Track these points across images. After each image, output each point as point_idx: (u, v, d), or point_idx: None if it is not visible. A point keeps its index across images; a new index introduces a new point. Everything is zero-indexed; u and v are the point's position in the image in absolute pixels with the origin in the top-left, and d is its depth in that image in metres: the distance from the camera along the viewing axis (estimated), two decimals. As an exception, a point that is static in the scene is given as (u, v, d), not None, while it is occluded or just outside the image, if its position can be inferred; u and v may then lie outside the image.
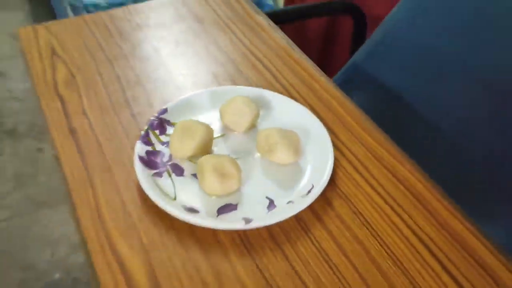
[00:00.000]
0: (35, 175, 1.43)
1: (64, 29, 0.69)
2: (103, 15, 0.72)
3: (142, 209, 0.47)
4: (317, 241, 0.45)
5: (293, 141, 0.51)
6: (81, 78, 0.62)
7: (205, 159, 0.47)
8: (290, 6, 0.88)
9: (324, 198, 0.48)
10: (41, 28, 0.69)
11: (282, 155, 0.50)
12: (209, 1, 0.75)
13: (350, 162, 0.52)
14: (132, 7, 0.74)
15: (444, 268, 0.43)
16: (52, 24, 0.70)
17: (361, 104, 0.61)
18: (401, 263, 0.43)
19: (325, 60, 1.13)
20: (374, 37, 0.88)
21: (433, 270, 0.43)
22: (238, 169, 0.47)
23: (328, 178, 0.49)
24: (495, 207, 0.72)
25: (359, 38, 0.89)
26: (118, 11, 0.73)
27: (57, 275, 1.21)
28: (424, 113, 0.82)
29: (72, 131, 0.55)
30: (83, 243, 0.45)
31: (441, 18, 0.80)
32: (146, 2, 0.75)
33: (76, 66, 0.63)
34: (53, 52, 0.65)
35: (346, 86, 0.80)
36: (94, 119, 0.56)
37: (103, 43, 0.67)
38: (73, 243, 1.27)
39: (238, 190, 0.48)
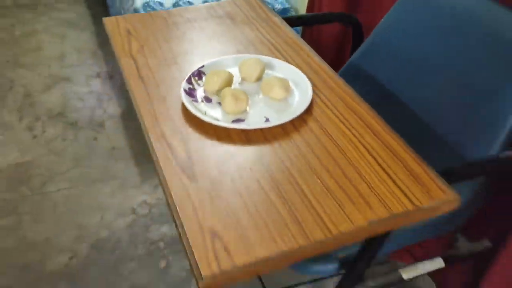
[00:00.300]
0: (90, 157, 1.73)
1: (135, 19, 0.99)
2: (162, 12, 1.01)
3: (183, 119, 0.73)
4: (297, 145, 0.70)
5: (285, 84, 0.76)
6: (146, 48, 0.90)
7: (226, 89, 0.74)
8: (301, 15, 1.14)
9: (304, 121, 0.73)
10: (120, 18, 0.99)
11: (277, 91, 0.75)
12: (239, 5, 1.04)
13: (325, 104, 0.77)
14: (183, 8, 1.03)
15: (379, 165, 0.67)
16: (127, 16, 1.00)
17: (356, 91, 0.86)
18: (352, 161, 0.67)
19: (337, 60, 1.38)
20: (367, 40, 1.13)
21: (371, 165, 0.67)
22: (247, 96, 0.73)
23: (306, 106, 0.74)
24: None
25: (357, 42, 1.15)
26: (173, 10, 1.02)
27: (104, 234, 1.48)
28: (403, 97, 1.06)
29: (141, 77, 0.83)
30: (146, 132, 0.71)
31: (420, 26, 1.06)
32: (193, 5, 1.04)
33: (143, 41, 0.92)
34: (128, 33, 0.94)
35: (344, 78, 1.06)
36: (154, 71, 0.84)
37: (162, 28, 0.96)
38: (118, 212, 1.54)
39: (246, 110, 0.74)
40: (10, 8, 2.59)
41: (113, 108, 1.97)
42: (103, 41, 2.38)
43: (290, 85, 0.78)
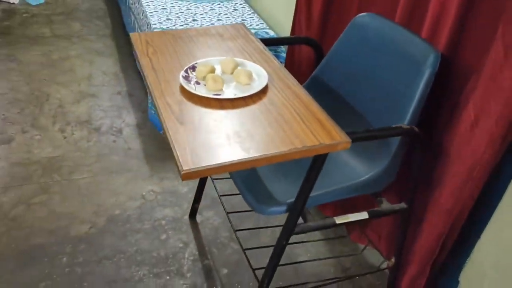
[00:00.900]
0: (110, 155, 2.10)
1: (152, 35, 1.38)
2: (172, 31, 1.41)
3: (181, 94, 1.10)
4: (252, 110, 1.06)
5: (249, 74, 1.14)
6: (158, 52, 1.29)
7: (208, 75, 1.11)
8: (274, 37, 1.52)
9: (260, 98, 1.10)
10: (142, 34, 1.39)
11: (243, 78, 1.13)
12: (227, 28, 1.43)
13: (276, 89, 1.14)
14: (187, 29, 1.43)
15: (304, 122, 1.02)
16: (147, 33, 1.39)
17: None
18: (286, 119, 1.03)
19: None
20: (324, 59, 1.51)
21: (299, 123, 1.03)
22: (222, 79, 1.11)
23: (262, 87, 1.11)
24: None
25: (318, 61, 1.53)
26: (179, 30, 1.42)
27: (117, 212, 1.82)
28: (349, 98, 1.43)
29: (154, 69, 1.21)
30: (156, 100, 1.08)
31: (358, 49, 1.43)
32: (194, 27, 1.43)
33: (157, 48, 1.31)
34: (147, 42, 1.34)
35: (308, 87, 1.43)
36: (163, 65, 1.22)
37: (171, 40, 1.35)
38: (129, 196, 1.89)
39: (222, 89, 1.11)
40: (49, 38, 3.06)
41: (130, 119, 2.36)
42: (124, 66, 2.81)
43: (253, 76, 1.15)
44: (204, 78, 1.15)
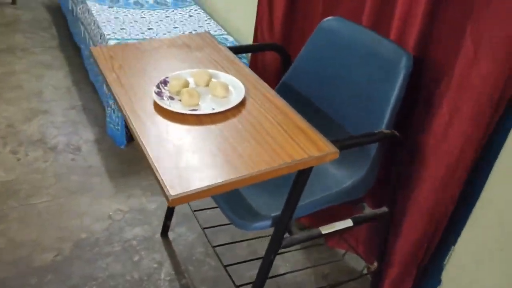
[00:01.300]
0: (69, 175, 1.98)
1: (116, 49, 1.31)
2: (135, 43, 1.33)
3: (155, 111, 1.04)
4: (233, 123, 1.01)
5: (225, 86, 1.09)
6: (125, 66, 1.21)
7: (184, 89, 1.06)
8: (242, 45, 1.49)
9: (239, 111, 1.05)
10: (103, 48, 1.31)
11: (219, 91, 1.08)
12: (193, 38, 1.38)
13: (254, 100, 1.10)
14: (151, 40, 1.36)
15: (286, 132, 0.99)
16: (109, 47, 1.31)
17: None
18: (267, 131, 0.99)
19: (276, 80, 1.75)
20: (293, 65, 1.49)
21: (281, 133, 0.99)
22: (198, 93, 1.05)
23: (240, 100, 1.06)
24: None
25: (286, 66, 1.50)
26: (143, 42, 1.35)
27: (84, 235, 1.72)
28: (319, 101, 1.41)
29: (122, 84, 1.13)
30: (122, 108, 1.01)
31: (326, 53, 1.42)
32: (159, 37, 1.37)
33: (122, 61, 1.23)
34: (111, 57, 1.26)
35: (279, 93, 1.40)
36: (132, 81, 1.15)
37: (136, 53, 1.28)
38: (95, 217, 1.79)
39: (198, 104, 1.06)
40: (-10, 53, 2.87)
41: (87, 134, 2.24)
42: (76, 79, 2.67)
43: (229, 88, 1.11)
44: (178, 93, 1.09)
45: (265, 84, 1.18)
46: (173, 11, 2.50)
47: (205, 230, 1.59)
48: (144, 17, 2.39)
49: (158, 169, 0.86)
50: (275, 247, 1.14)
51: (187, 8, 2.55)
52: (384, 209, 1.30)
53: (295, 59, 1.49)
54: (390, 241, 1.40)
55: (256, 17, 1.88)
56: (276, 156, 0.92)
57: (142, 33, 2.20)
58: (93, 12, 2.37)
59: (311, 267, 1.67)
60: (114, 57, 1.26)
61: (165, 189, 0.82)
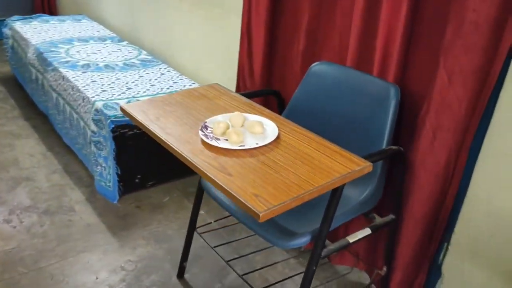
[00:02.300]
0: (70, 235, 2.01)
1: (143, 104, 1.45)
2: (159, 98, 1.49)
3: (208, 151, 1.20)
4: (277, 152, 1.20)
5: (261, 124, 1.28)
6: (162, 117, 1.36)
7: (230, 129, 1.23)
8: (246, 92, 1.71)
9: (277, 142, 1.24)
10: (131, 106, 1.45)
11: (257, 128, 1.27)
12: (206, 89, 1.56)
13: (284, 133, 1.30)
14: (172, 94, 1.52)
15: (326, 155, 1.19)
16: (138, 103, 1.46)
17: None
18: (310, 155, 1.19)
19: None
20: (290, 103, 1.71)
21: (322, 154, 1.19)
22: (242, 133, 1.23)
23: (277, 134, 1.25)
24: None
25: (280, 105, 1.73)
26: (165, 96, 1.51)
27: (102, 289, 1.76)
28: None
29: (169, 134, 1.28)
30: (185, 155, 1.16)
31: (319, 90, 1.66)
32: (177, 91, 1.53)
33: (158, 114, 1.38)
34: (143, 111, 1.40)
35: None
36: (174, 129, 1.30)
37: (165, 107, 1.43)
38: (109, 270, 1.83)
39: (242, 141, 1.23)
40: (-47, 128, 2.81)
41: (77, 195, 2.28)
42: (49, 145, 2.70)
43: (263, 125, 1.30)
44: (222, 134, 1.26)
45: (288, 121, 1.38)
46: (144, 71, 2.66)
47: (229, 262, 1.71)
48: (119, 79, 2.52)
49: (237, 194, 1.02)
50: (316, 258, 1.30)
51: (157, 67, 2.72)
52: (392, 216, 1.53)
53: (291, 99, 1.72)
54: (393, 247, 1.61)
55: (238, 68, 2.11)
56: (327, 173, 1.12)
57: (123, 92, 2.34)
58: (69, 78, 2.47)
59: (320, 285, 1.84)
60: (146, 112, 1.40)
61: (252, 208, 0.98)
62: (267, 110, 1.44)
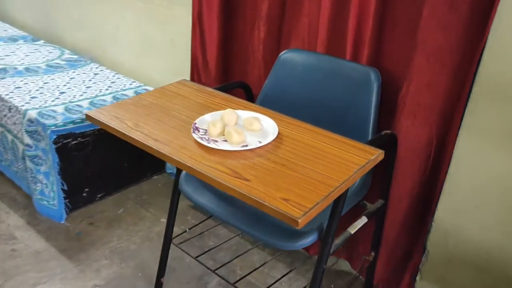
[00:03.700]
0: (18, 267, 1.75)
1: (113, 108, 1.27)
2: (128, 101, 1.31)
3: (210, 155, 1.07)
4: (283, 148, 1.10)
5: (258, 120, 1.17)
6: (142, 123, 1.20)
7: (229, 129, 1.11)
8: (218, 86, 1.58)
9: (279, 138, 1.14)
10: (101, 111, 1.26)
11: (256, 125, 1.16)
12: (178, 87, 1.41)
13: (287, 128, 1.20)
14: (143, 95, 1.35)
15: (335, 147, 1.12)
16: (106, 108, 1.27)
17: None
18: (321, 149, 1.11)
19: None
20: (261, 93, 1.61)
21: (331, 148, 1.11)
22: (242, 131, 1.12)
23: (277, 130, 1.16)
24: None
25: (250, 97, 1.63)
26: (136, 98, 1.33)
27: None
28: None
29: (157, 140, 1.12)
30: (185, 164, 1.02)
31: (290, 78, 1.58)
32: (147, 90, 1.36)
33: (135, 120, 1.21)
34: (116, 117, 1.22)
35: None
36: (159, 134, 1.14)
37: (139, 110, 1.26)
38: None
39: (244, 140, 1.12)
40: None
41: (14, 220, 2.00)
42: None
43: (260, 122, 1.19)
44: (219, 135, 1.13)
45: (281, 114, 1.29)
46: (73, 72, 2.40)
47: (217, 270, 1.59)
48: (47, 83, 2.24)
49: (266, 202, 0.91)
50: (326, 256, 1.24)
51: (87, 67, 2.46)
52: (381, 201, 1.51)
53: (261, 90, 1.62)
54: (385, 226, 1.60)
55: (191, 60, 1.96)
56: (345, 166, 1.04)
57: (57, 98, 2.08)
58: (-14, 86, 2.14)
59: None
60: (120, 117, 1.23)
61: (289, 216, 0.88)
62: (253, 104, 1.34)
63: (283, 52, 1.60)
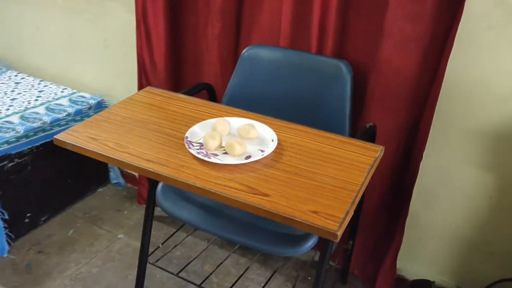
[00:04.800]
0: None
1: (85, 128, 1.12)
2: (95, 118, 1.17)
3: (218, 172, 0.99)
4: (285, 154, 1.05)
5: (254, 127, 1.11)
6: (122, 143, 1.07)
7: (231, 140, 1.03)
8: (184, 90, 1.47)
9: (283, 143, 1.09)
10: (71, 132, 1.11)
11: (253, 133, 1.09)
12: (146, 96, 1.29)
13: (281, 132, 1.15)
14: (108, 110, 1.21)
15: (339, 148, 1.09)
16: (75, 129, 1.12)
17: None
18: (326, 152, 1.07)
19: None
20: (226, 92, 1.53)
21: (336, 149, 1.09)
22: (244, 143, 1.05)
23: (276, 137, 1.10)
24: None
25: (213, 97, 1.55)
26: (104, 113, 1.19)
27: None
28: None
29: (148, 160, 1.01)
30: (196, 186, 0.94)
31: (254, 74, 1.52)
32: (117, 104, 1.23)
33: (113, 140, 1.08)
34: (93, 139, 1.08)
35: None
36: (147, 152, 1.04)
37: (111, 127, 1.13)
38: None
39: (246, 151, 1.05)
40: None
41: None
42: None
43: (256, 130, 1.13)
44: (217, 148, 1.05)
45: (269, 117, 1.23)
46: (-11, 82, 2.11)
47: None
48: (-39, 97, 1.95)
49: (295, 217, 0.87)
50: (329, 255, 1.22)
51: (4, 76, 2.18)
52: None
53: (226, 90, 1.55)
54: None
55: (138, 62, 1.81)
56: (357, 167, 1.03)
57: (-20, 114, 1.82)
58: None
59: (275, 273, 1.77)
60: (97, 138, 1.09)
61: (327, 230, 0.84)
62: (237, 109, 1.26)
63: (246, 49, 1.53)
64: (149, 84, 1.82)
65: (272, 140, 1.09)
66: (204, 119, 1.18)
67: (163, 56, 1.76)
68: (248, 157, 1.04)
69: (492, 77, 1.33)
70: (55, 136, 1.09)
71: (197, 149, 1.05)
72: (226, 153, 1.05)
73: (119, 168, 2.21)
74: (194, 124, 1.15)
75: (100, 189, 2.19)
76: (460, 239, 1.59)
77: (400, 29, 1.37)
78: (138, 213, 2.05)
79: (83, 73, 2.13)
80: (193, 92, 1.49)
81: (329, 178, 0.99)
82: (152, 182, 1.38)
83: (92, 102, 2.02)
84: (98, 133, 1.11)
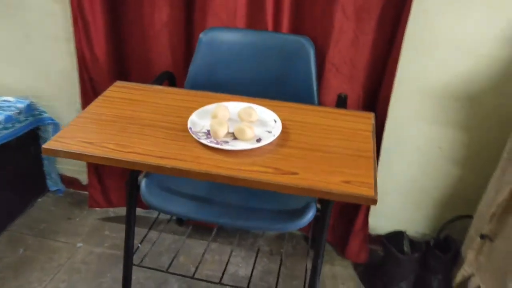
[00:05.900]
0: None
1: (72, 131, 1.03)
2: (81, 116, 1.08)
3: (238, 158, 0.97)
4: (294, 132, 1.07)
5: (255, 110, 1.10)
6: (123, 143, 1.01)
7: (241, 125, 1.02)
8: (152, 81, 1.38)
9: (286, 122, 1.10)
10: (60, 139, 1.00)
11: (255, 116, 1.09)
12: (124, 91, 1.21)
13: (279, 111, 1.16)
14: (83, 114, 1.12)
15: (337, 119, 1.13)
16: (65, 132, 1.02)
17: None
18: (330, 125, 1.11)
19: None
20: (188, 78, 1.48)
21: (338, 121, 1.12)
22: (251, 126, 1.04)
23: (274, 113, 1.11)
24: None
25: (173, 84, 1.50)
26: (85, 113, 1.10)
27: None
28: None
29: (161, 157, 0.96)
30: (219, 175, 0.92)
31: (217, 61, 1.50)
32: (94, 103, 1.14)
33: (114, 141, 1.01)
34: (91, 143, 1.00)
35: None
36: (154, 148, 0.99)
37: (102, 127, 1.05)
38: None
39: (255, 135, 1.05)
40: None
41: None
42: None
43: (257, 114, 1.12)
44: (225, 136, 1.04)
45: (259, 98, 1.23)
46: None
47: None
48: None
49: (336, 190, 0.90)
50: (326, 226, 1.26)
51: None
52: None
53: (187, 77, 1.50)
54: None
55: (77, 57, 1.67)
56: (359, 135, 1.08)
57: None
58: None
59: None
60: (92, 141, 1.01)
61: (365, 197, 0.89)
62: (224, 94, 1.24)
63: (203, 32, 1.49)
64: (92, 79, 1.70)
65: (275, 121, 1.10)
66: (194, 108, 1.15)
67: (104, 49, 1.65)
68: (259, 140, 1.03)
69: (440, 40, 1.47)
70: (43, 146, 0.98)
71: (205, 138, 1.03)
72: (235, 138, 1.03)
73: (58, 174, 2.05)
74: (184, 114, 1.11)
75: (40, 200, 2.01)
76: (417, 190, 1.76)
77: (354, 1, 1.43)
78: (91, 218, 1.93)
79: (3, 74, 1.91)
80: (159, 82, 1.43)
81: (344, 149, 1.03)
82: (132, 181, 1.31)
83: (20, 106, 1.83)
84: (89, 136, 1.02)
